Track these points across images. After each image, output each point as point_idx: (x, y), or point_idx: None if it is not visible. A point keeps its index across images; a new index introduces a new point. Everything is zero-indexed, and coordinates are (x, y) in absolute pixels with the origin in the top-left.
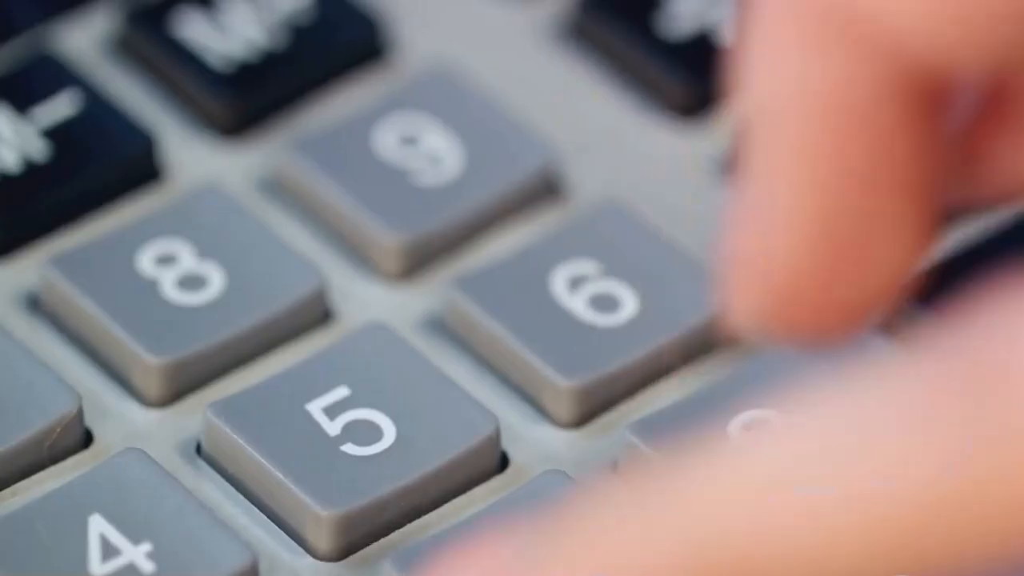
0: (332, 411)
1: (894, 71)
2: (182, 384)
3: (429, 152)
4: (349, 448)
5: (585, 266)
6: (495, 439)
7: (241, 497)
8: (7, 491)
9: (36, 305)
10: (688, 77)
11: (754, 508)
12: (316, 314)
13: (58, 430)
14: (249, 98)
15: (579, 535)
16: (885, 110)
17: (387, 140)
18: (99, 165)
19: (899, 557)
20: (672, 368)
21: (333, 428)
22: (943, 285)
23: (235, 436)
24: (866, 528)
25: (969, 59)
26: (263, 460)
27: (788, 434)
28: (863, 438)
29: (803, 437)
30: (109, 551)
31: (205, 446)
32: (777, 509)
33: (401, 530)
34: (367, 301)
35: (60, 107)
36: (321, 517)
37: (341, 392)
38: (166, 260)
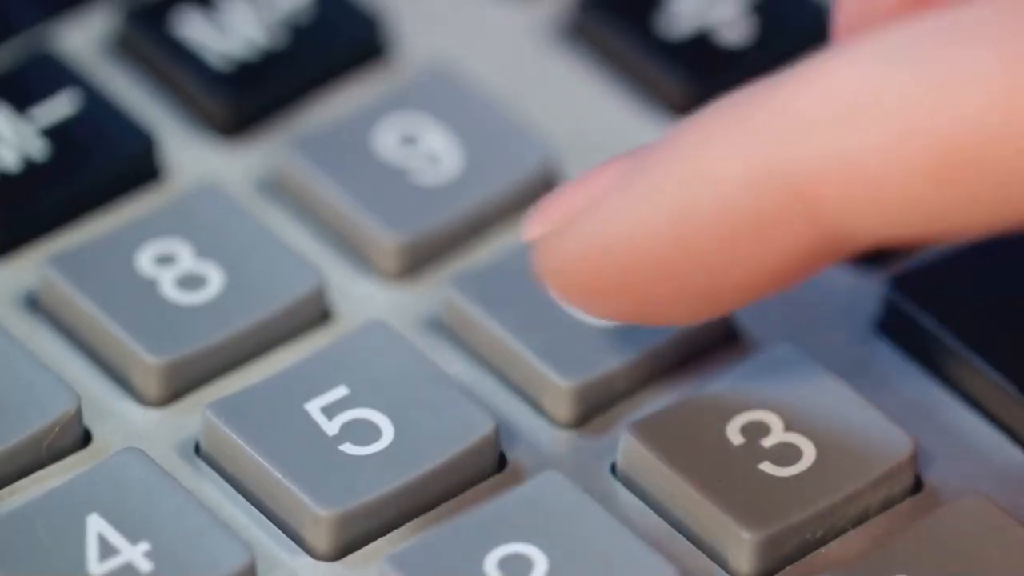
0: (331, 411)
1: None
2: (181, 384)
3: (429, 152)
4: (347, 448)
5: None
6: (493, 439)
7: (239, 497)
8: (6, 490)
9: (35, 304)
10: (688, 77)
11: (823, 134)
12: (315, 314)
13: (57, 429)
14: (249, 98)
15: (675, 148)
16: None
17: (387, 140)
18: (98, 165)
19: (957, 200)
20: (672, 368)
21: (332, 428)
22: (943, 285)
23: (234, 436)
24: (932, 150)
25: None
26: (262, 460)
27: (859, 63)
28: (943, 53)
29: (874, 65)
30: (107, 550)
31: (204, 446)
32: (846, 135)
33: (399, 530)
34: (366, 300)
35: (60, 107)
36: (319, 517)
37: (340, 392)
38: (165, 260)
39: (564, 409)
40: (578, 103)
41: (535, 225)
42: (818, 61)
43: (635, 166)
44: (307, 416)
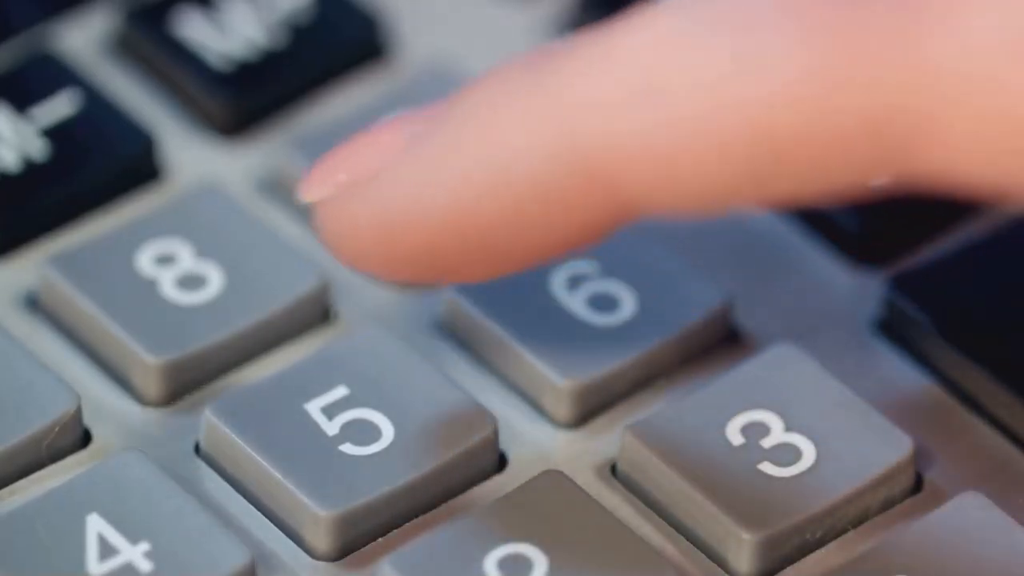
0: (331, 411)
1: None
2: (181, 384)
3: None
4: (347, 448)
5: (584, 265)
6: (493, 439)
7: (239, 497)
8: (6, 490)
9: (35, 304)
10: None
11: (615, 111)
12: (315, 314)
13: (57, 429)
14: (249, 98)
15: (465, 116)
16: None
17: None
18: (98, 164)
19: (753, 174)
20: (672, 368)
21: (332, 428)
22: (943, 285)
23: (233, 436)
24: (730, 131)
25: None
26: (261, 460)
27: (658, 34)
28: (736, 32)
29: (675, 38)
30: (107, 550)
31: (204, 446)
32: (640, 113)
33: (400, 530)
34: (366, 301)
35: (59, 107)
36: (319, 517)
37: (340, 392)
38: (165, 260)
39: (564, 409)
40: None
41: (313, 186)
42: (612, 30)
43: (423, 133)
44: (307, 416)
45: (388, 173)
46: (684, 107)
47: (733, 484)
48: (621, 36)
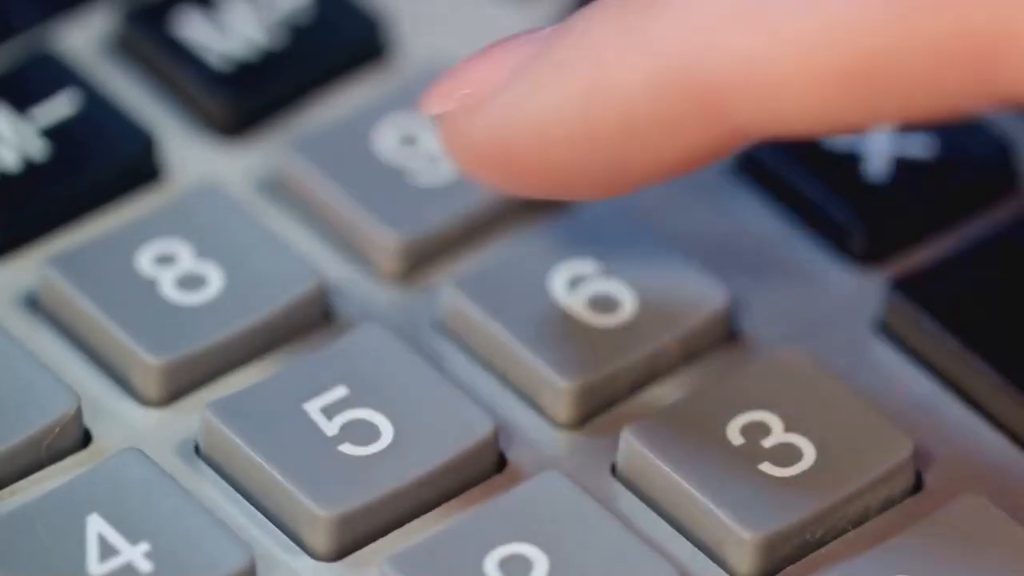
0: (330, 411)
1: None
2: (181, 384)
3: (429, 152)
4: (347, 448)
5: (584, 266)
6: (493, 439)
7: (239, 497)
8: (6, 491)
9: (35, 305)
10: None
11: (723, 33)
12: (315, 314)
13: (57, 430)
14: (249, 98)
15: (579, 36)
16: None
17: (387, 140)
18: (98, 165)
19: (857, 98)
20: (672, 368)
21: (331, 428)
22: (943, 285)
23: (233, 436)
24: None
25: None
26: (261, 460)
27: None
28: None
29: None
30: (107, 551)
31: (203, 446)
32: (746, 34)
33: (399, 530)
34: (366, 301)
35: (59, 107)
36: (319, 517)
37: (339, 392)
38: (165, 260)
39: (564, 409)
40: None
41: (437, 100)
42: None
43: (540, 53)
44: (306, 416)
45: (506, 90)
46: (787, 27)
47: (733, 484)
48: None
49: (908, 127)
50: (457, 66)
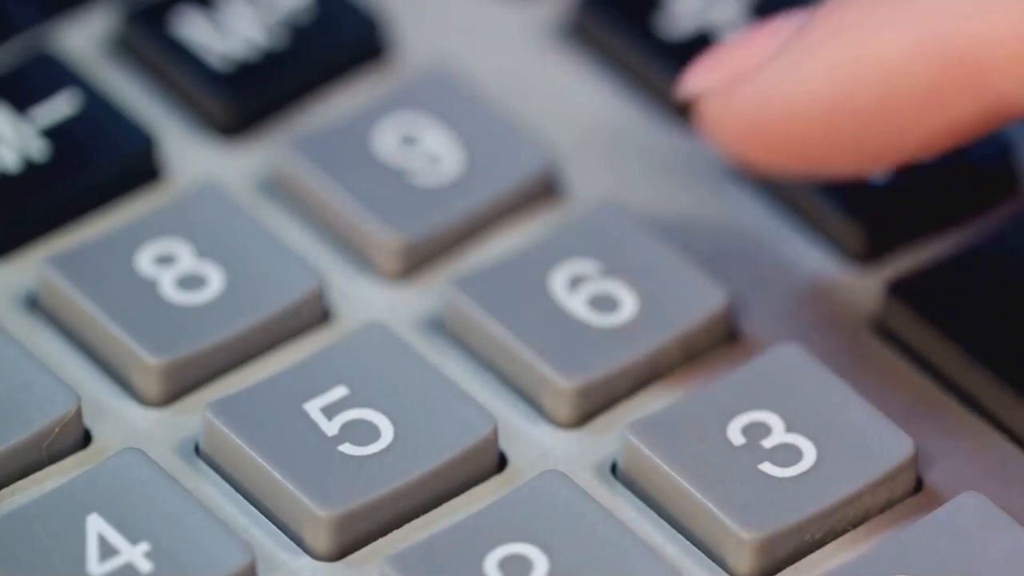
0: (330, 411)
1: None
2: (181, 384)
3: (428, 152)
4: (347, 448)
5: (584, 266)
6: (493, 439)
7: (239, 497)
8: (6, 491)
9: (35, 305)
10: None
11: (984, 10)
12: (315, 314)
13: (57, 430)
14: (249, 98)
15: (837, 15)
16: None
17: (387, 140)
18: (98, 165)
19: None
20: (672, 368)
21: (331, 428)
22: (942, 286)
23: (233, 436)
24: None
25: None
26: (261, 460)
27: None
28: None
29: None
30: (107, 551)
31: (203, 446)
32: (1006, 10)
33: (399, 530)
34: (366, 301)
35: (59, 107)
36: (319, 517)
37: (339, 392)
38: (165, 260)
39: (564, 409)
40: (578, 103)
41: (697, 78)
42: None
43: (798, 33)
44: (306, 416)
45: (766, 68)
46: None
47: (733, 484)
48: None
49: None
50: (719, 45)
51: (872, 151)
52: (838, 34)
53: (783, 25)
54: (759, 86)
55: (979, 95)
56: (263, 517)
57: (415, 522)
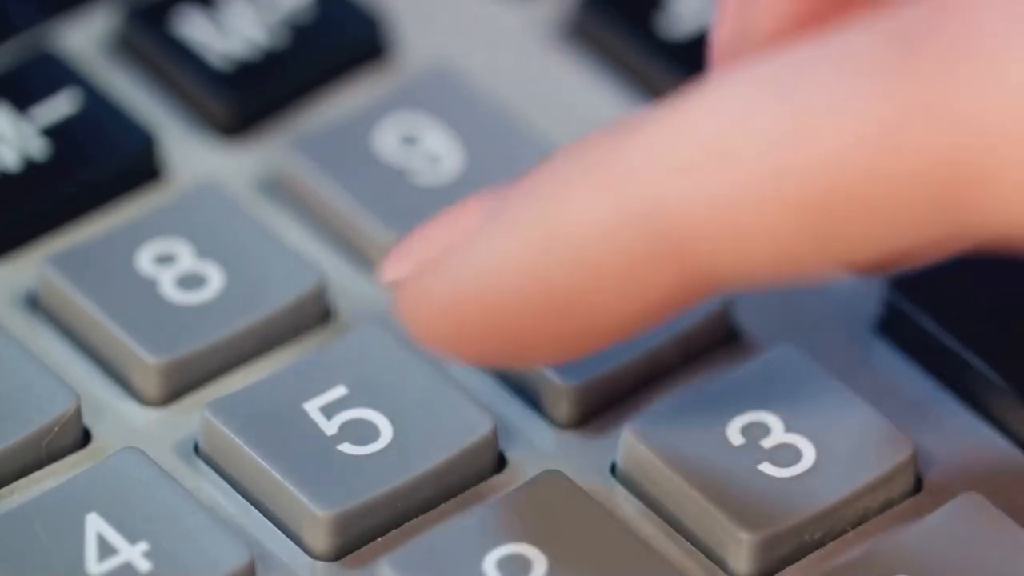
0: (329, 410)
1: None
2: (180, 383)
3: (429, 152)
4: (346, 448)
5: None
6: (492, 439)
7: (238, 496)
8: (5, 489)
9: (35, 304)
10: (688, 77)
11: (686, 177)
12: (315, 313)
13: (56, 429)
14: (249, 98)
15: (538, 191)
16: None
17: (387, 140)
18: (99, 164)
19: (824, 238)
20: (672, 368)
21: (330, 428)
22: (943, 286)
23: (232, 435)
24: (793, 197)
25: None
26: (260, 459)
27: (724, 101)
28: (801, 102)
29: (740, 103)
30: (106, 550)
31: (203, 445)
32: (710, 178)
33: (398, 530)
34: (366, 300)
35: (60, 106)
36: (318, 516)
37: (338, 391)
38: (165, 259)
39: (564, 409)
40: (578, 103)
41: (392, 268)
42: (681, 100)
43: (496, 211)
44: (306, 416)
45: (462, 250)
46: (747, 172)
47: (733, 484)
48: (686, 105)
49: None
50: (415, 230)
51: (577, 333)
52: (533, 209)
53: (480, 202)
54: (452, 271)
55: (680, 269)
56: (262, 517)
57: (414, 522)
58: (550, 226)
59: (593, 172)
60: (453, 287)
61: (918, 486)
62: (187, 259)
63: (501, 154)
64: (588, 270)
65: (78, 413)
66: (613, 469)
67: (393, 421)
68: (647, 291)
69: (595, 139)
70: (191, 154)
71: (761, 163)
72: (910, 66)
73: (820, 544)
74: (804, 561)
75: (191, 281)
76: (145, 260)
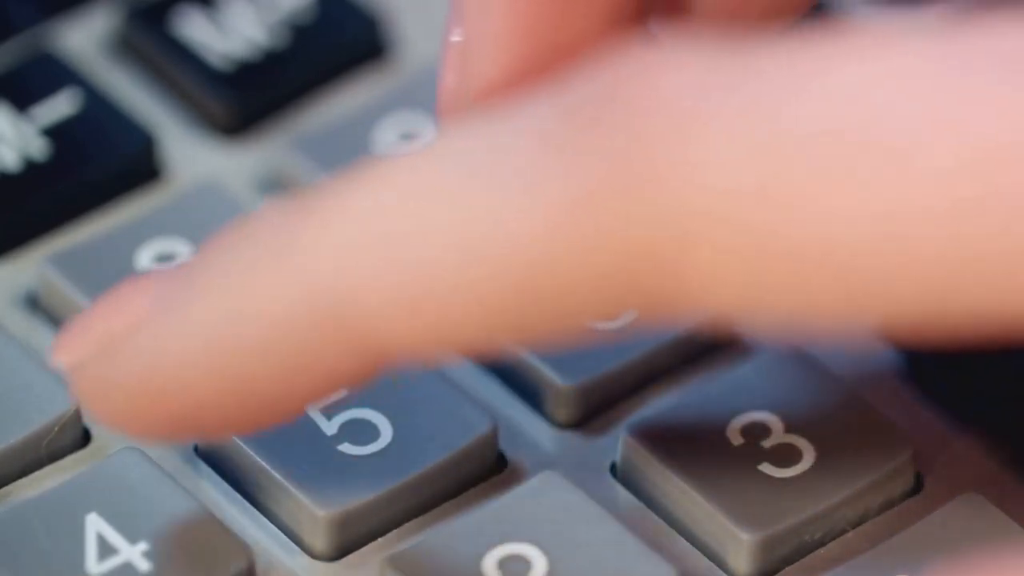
0: (329, 410)
1: None
2: None
3: None
4: (346, 447)
5: None
6: (492, 439)
7: (238, 497)
8: (5, 489)
9: (35, 304)
10: None
11: (356, 261)
12: None
13: (56, 429)
14: (249, 97)
15: (209, 274)
16: None
17: (387, 139)
18: (99, 164)
19: (504, 316)
20: (672, 368)
21: (330, 428)
22: None
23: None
24: (463, 286)
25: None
26: (260, 459)
27: (410, 178)
28: (469, 184)
29: (426, 181)
30: (106, 550)
31: (203, 445)
32: (378, 260)
33: (398, 530)
34: None
35: (60, 106)
36: (318, 517)
37: (338, 391)
38: (165, 259)
39: (564, 409)
40: None
41: (63, 352)
42: (360, 178)
43: (170, 292)
44: (305, 416)
45: (134, 335)
46: (416, 254)
47: (733, 484)
48: (357, 186)
49: None
50: (86, 311)
51: (258, 411)
52: (206, 295)
53: (158, 281)
54: (133, 356)
55: (355, 348)
56: (262, 517)
57: (414, 522)
58: (220, 311)
59: (265, 257)
60: (128, 373)
61: (918, 486)
62: (187, 259)
63: None
64: (265, 354)
65: (78, 413)
66: (613, 469)
67: (393, 421)
68: (327, 368)
69: (263, 218)
70: (191, 154)
71: (427, 246)
72: (592, 161)
73: (820, 544)
74: (804, 561)
75: None
76: (145, 260)
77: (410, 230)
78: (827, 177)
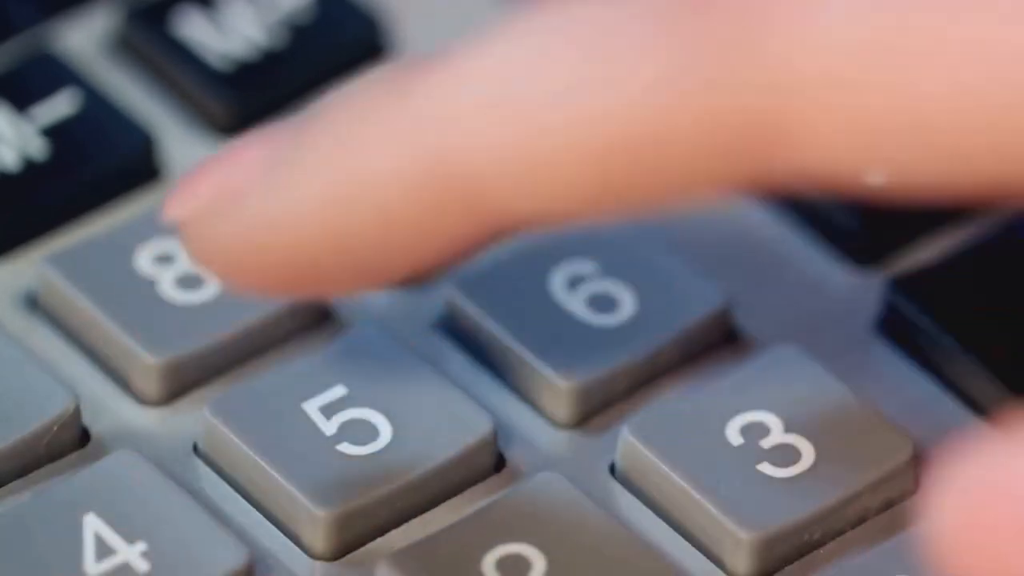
0: (328, 410)
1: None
2: (180, 383)
3: None
4: (345, 447)
5: (583, 265)
6: (492, 439)
7: (237, 496)
8: (3, 489)
9: (34, 304)
10: None
11: (475, 123)
12: (314, 313)
13: (55, 428)
14: (249, 97)
15: (326, 131)
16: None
17: None
18: (98, 164)
19: (617, 181)
20: (671, 368)
21: (329, 427)
22: (943, 286)
23: (232, 435)
24: (588, 142)
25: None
26: (259, 459)
27: (515, 47)
28: (587, 43)
29: (532, 49)
30: (104, 550)
31: (202, 445)
32: (499, 122)
33: (397, 530)
34: (366, 300)
35: (59, 106)
36: (317, 516)
37: (338, 391)
38: (165, 259)
39: (564, 409)
40: None
41: (177, 205)
42: (478, 41)
43: (287, 148)
44: (305, 416)
45: (253, 190)
46: (536, 118)
47: (733, 484)
48: (477, 48)
49: None
50: (199, 166)
51: (375, 269)
52: (323, 153)
53: (271, 137)
54: (248, 211)
55: (476, 213)
56: (262, 517)
57: (413, 522)
58: (342, 171)
59: (377, 116)
60: (245, 228)
61: (918, 486)
62: (186, 259)
63: None
64: (382, 213)
65: (77, 413)
66: (613, 469)
67: (392, 421)
68: (439, 232)
69: (380, 80)
70: (191, 154)
71: (545, 111)
72: (707, 18)
73: (819, 544)
74: (803, 561)
75: (191, 281)
76: (144, 259)
77: (526, 94)
78: (949, 26)
